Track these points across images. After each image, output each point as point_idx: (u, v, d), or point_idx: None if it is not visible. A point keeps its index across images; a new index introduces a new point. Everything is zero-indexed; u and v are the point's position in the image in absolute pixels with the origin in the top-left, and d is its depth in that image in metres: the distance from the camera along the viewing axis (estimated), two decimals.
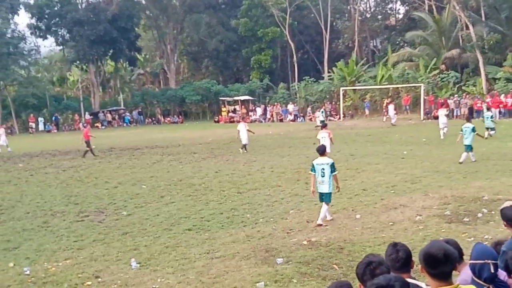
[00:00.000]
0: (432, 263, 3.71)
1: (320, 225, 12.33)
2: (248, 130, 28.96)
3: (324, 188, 12.65)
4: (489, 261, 4.25)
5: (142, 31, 74.66)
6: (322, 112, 47.29)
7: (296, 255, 10.17)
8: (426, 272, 3.78)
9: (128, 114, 64.20)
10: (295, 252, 10.34)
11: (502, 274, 4.46)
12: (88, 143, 29.55)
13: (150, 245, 11.50)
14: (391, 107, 45.16)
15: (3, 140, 34.95)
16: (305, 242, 10.97)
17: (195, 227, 12.91)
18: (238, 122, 36.16)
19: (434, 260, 3.71)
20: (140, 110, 65.58)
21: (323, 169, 12.63)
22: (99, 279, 9.47)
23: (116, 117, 63.31)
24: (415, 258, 4.47)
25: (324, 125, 23.66)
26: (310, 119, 54.73)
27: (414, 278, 4.50)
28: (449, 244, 4.35)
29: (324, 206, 12.59)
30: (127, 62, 73.08)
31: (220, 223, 13.22)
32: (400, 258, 4.39)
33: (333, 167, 12.64)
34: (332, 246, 10.59)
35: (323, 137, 21.60)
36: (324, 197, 12.65)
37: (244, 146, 28.31)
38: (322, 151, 13.10)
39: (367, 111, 53.27)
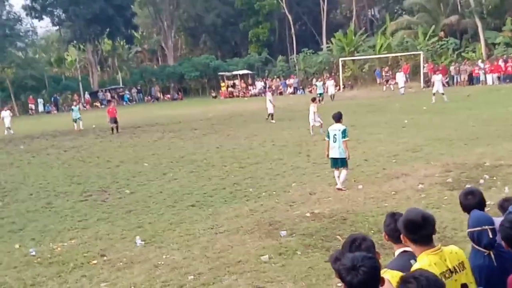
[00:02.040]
0: (412, 228, 3.76)
1: (340, 189, 12.81)
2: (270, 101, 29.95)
3: (335, 153, 13.01)
4: (487, 227, 4.26)
5: (138, 9, 73.97)
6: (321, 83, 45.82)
7: (300, 227, 10.22)
8: (409, 239, 3.81)
9: (127, 92, 63.98)
10: (299, 225, 10.39)
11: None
12: (114, 120, 30.23)
13: (154, 222, 11.55)
14: (400, 76, 43.88)
15: (8, 122, 34.81)
16: (308, 214, 11.01)
17: (199, 203, 12.95)
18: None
19: (414, 225, 3.75)
20: (139, 88, 65.36)
21: (335, 135, 12.99)
22: (105, 258, 9.53)
23: (115, 96, 63.07)
24: None
25: (313, 99, 23.24)
26: (310, 91, 54.55)
27: None
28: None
29: (343, 172, 13.02)
30: (124, 40, 72.64)
31: (223, 198, 13.26)
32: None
33: (344, 133, 12.96)
34: (335, 217, 10.63)
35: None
36: (340, 162, 13.03)
37: (270, 115, 29.37)
38: (337, 118, 13.32)
39: (378, 80, 52.47)
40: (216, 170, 17.05)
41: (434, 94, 31.19)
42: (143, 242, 10.13)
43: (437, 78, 32.06)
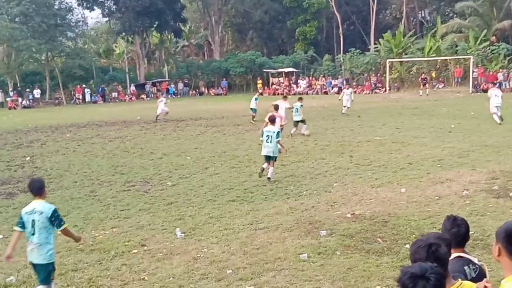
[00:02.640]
0: None
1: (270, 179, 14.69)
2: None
3: (269, 152, 14.92)
4: None
5: (187, 2, 74.52)
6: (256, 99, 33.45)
7: (340, 227, 10.15)
8: (507, 252, 3.58)
9: (172, 85, 64.56)
10: (339, 225, 10.32)
11: None
12: None
13: (194, 215, 11.63)
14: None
15: (161, 109, 34.04)
16: (348, 215, 10.93)
17: (239, 198, 12.99)
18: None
19: None
20: (185, 81, 65.89)
21: (269, 136, 14.87)
22: (145, 248, 9.65)
23: (160, 89, 63.66)
24: None
25: (285, 97, 21.80)
26: (355, 92, 54.15)
27: (468, 253, 4.45)
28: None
29: (272, 167, 15.03)
30: (172, 34, 73.23)
31: (264, 194, 13.26)
32: (462, 233, 4.34)
33: (278, 135, 14.97)
34: (376, 220, 10.52)
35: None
36: (272, 158, 14.97)
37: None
38: (272, 120, 15.30)
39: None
40: (258, 166, 16.96)
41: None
42: (183, 234, 10.21)
43: (494, 93, 25.15)
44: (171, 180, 15.47)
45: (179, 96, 63.20)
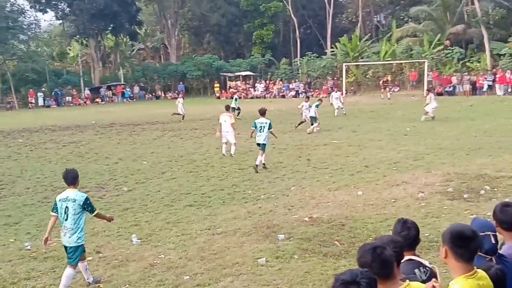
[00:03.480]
0: (461, 241, 3.60)
1: (257, 165, 16.43)
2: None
3: (260, 140, 16.91)
4: (489, 233, 4.21)
5: (143, 5, 73.96)
6: (236, 99, 36.90)
7: (298, 231, 10.13)
8: (454, 254, 3.64)
9: (128, 89, 63.86)
10: (297, 229, 10.31)
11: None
12: None
13: (151, 221, 11.49)
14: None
15: (180, 108, 34.95)
16: (306, 219, 10.93)
17: (196, 203, 12.89)
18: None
19: (464, 238, 3.61)
20: (141, 85, 65.29)
21: (262, 126, 17.02)
22: (100, 254, 9.49)
23: (115, 92, 62.93)
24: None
25: (227, 108, 21.18)
26: (312, 95, 54.60)
27: (418, 256, 4.46)
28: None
29: (263, 154, 16.82)
30: (127, 37, 72.55)
31: (221, 199, 13.19)
32: (412, 236, 4.35)
33: (270, 126, 17.17)
34: (334, 223, 10.55)
35: (225, 121, 19.79)
36: (262, 146, 16.83)
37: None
38: (262, 112, 17.52)
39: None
40: (215, 171, 16.96)
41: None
42: (139, 241, 10.07)
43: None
44: (127, 186, 15.27)
45: (135, 100, 62.63)
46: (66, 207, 7.93)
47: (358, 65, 55.54)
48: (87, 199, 8.06)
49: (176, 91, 63.55)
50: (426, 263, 4.39)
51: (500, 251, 4.37)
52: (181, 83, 65.10)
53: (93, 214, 8.24)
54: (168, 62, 73.55)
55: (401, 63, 52.54)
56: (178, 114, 34.83)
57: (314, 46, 68.53)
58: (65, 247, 8.14)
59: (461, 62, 49.28)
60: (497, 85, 43.02)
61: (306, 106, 27.06)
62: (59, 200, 8.04)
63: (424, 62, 47.69)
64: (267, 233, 10.17)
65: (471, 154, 17.41)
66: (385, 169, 15.81)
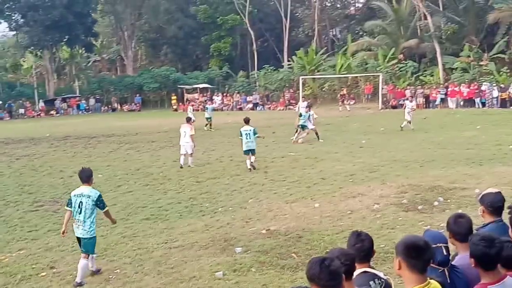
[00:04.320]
0: (414, 252, 3.65)
1: (253, 167, 18.46)
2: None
3: (250, 146, 18.66)
4: (441, 245, 4.26)
5: (99, 17, 73.22)
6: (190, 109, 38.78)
7: (255, 244, 10.13)
8: (408, 265, 3.68)
9: (84, 101, 63.01)
10: (254, 241, 10.31)
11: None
12: None
13: (106, 235, 11.33)
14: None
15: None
16: (263, 231, 10.95)
17: (153, 216, 12.78)
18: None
19: (417, 249, 3.66)
20: (97, 97, 64.52)
21: (248, 133, 18.73)
22: (54, 270, 9.33)
23: (70, 104, 62.01)
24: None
25: (188, 120, 21.55)
26: (269, 108, 54.90)
27: (373, 268, 4.49)
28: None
29: (253, 157, 18.75)
30: (83, 48, 71.71)
31: (179, 212, 13.11)
32: (366, 248, 4.38)
33: (255, 132, 18.97)
34: (291, 235, 10.59)
35: (185, 131, 20.25)
36: (252, 152, 18.74)
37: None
38: (247, 121, 19.41)
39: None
40: (172, 184, 16.86)
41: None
42: (94, 255, 9.88)
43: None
44: None
45: (90, 112, 61.80)
46: (80, 202, 8.89)
47: (315, 78, 56.08)
48: (100, 196, 9.06)
49: (133, 103, 63.26)
50: (381, 274, 4.42)
51: (453, 262, 4.46)
52: (137, 95, 64.61)
53: (104, 211, 9.19)
54: (124, 74, 72.88)
55: (356, 77, 53.29)
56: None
57: (271, 59, 68.95)
58: (78, 239, 9.02)
59: (414, 75, 50.30)
60: (449, 99, 44.11)
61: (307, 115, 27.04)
62: (74, 196, 9.04)
63: (378, 75, 48.49)
64: (225, 246, 10.15)
65: (425, 166, 17.75)
66: (342, 181, 15.98)
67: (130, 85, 65.75)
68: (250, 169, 18.40)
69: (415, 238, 3.80)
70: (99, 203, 8.99)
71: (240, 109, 56.97)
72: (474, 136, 24.60)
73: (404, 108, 28.73)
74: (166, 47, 76.69)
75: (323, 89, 55.76)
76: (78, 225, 8.92)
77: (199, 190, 15.72)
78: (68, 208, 9.08)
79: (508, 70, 43.83)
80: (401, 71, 50.72)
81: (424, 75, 50.08)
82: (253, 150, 18.81)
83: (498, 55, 46.28)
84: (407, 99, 32.38)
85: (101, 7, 71.98)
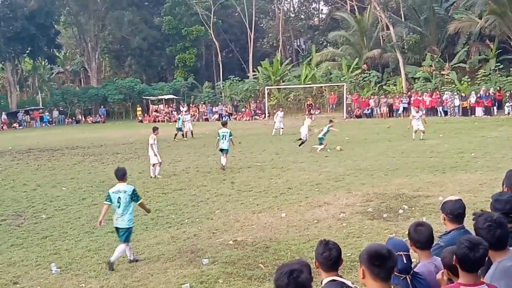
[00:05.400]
0: (377, 260, 3.68)
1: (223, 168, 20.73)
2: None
3: (224, 146, 20.96)
4: (402, 253, 4.34)
5: (62, 28, 72.44)
6: (179, 119, 37.14)
7: (222, 255, 10.11)
8: (371, 273, 3.72)
9: (47, 113, 62.12)
10: (221, 252, 10.28)
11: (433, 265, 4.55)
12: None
13: (71, 249, 11.18)
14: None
15: (188, 127, 35.89)
16: (231, 242, 10.93)
17: None
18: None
19: (380, 257, 3.69)
20: (61, 109, 63.68)
21: (224, 135, 20.96)
22: (18, 285, 9.18)
23: (33, 116, 61.06)
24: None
25: (153, 129, 20.91)
26: (236, 118, 54.95)
27: (341, 276, 4.52)
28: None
29: (226, 157, 21.19)
30: (46, 60, 70.80)
31: (145, 224, 12.99)
32: (334, 257, 4.39)
33: (231, 134, 21.12)
34: (258, 245, 10.59)
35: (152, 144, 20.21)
36: (226, 151, 21.05)
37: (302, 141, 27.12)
38: (224, 124, 22.17)
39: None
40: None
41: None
42: (59, 270, 9.77)
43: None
44: (46, 213, 14.80)
45: (54, 124, 60.98)
46: (119, 197, 10.08)
47: (280, 88, 56.40)
48: (134, 190, 10.35)
49: (98, 115, 62.62)
50: (349, 283, 4.44)
51: (415, 269, 4.53)
52: (102, 106, 64.01)
53: (138, 202, 10.40)
54: (88, 85, 72.17)
55: (321, 87, 53.79)
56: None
57: (236, 70, 69.16)
58: (117, 229, 10.22)
59: (378, 85, 51.04)
60: (412, 107, 44.70)
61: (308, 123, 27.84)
62: (112, 192, 10.22)
63: (343, 85, 49.06)
64: (191, 257, 10.10)
65: (390, 174, 17.96)
66: (308, 190, 16.06)
67: (94, 97, 65.15)
68: (223, 165, 20.71)
69: (378, 246, 3.84)
70: (134, 196, 10.20)
71: (206, 119, 56.93)
72: (437, 144, 25.01)
73: (413, 120, 27.50)
74: (130, 58, 76.26)
75: (288, 99, 56.07)
76: (117, 217, 10.11)
77: (165, 201, 15.62)
78: (107, 203, 10.27)
79: (468, 79, 44.80)
80: (364, 81, 51.41)
81: (388, 84, 50.88)
82: (227, 150, 20.97)
83: (459, 64, 47.32)
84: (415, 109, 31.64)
85: (64, 18, 71.30)
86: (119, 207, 10.08)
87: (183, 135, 35.03)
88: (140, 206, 10.64)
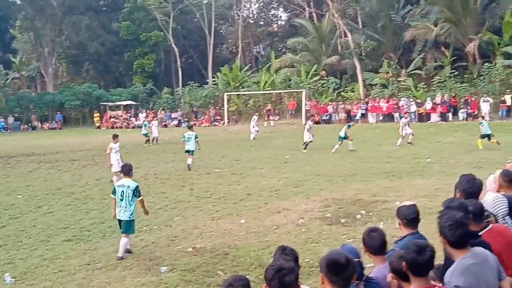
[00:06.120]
0: (334, 269, 3.73)
1: (190, 166, 22.20)
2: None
3: (190, 147, 22.39)
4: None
5: (17, 33, 71.03)
6: (145, 125, 36.82)
7: (181, 262, 10.05)
8: (329, 281, 3.77)
9: (2, 120, 60.77)
10: (180, 260, 10.22)
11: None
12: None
13: (26, 258, 10.95)
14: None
15: (155, 133, 35.92)
16: (190, 249, 10.88)
17: (75, 237, 12.43)
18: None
19: (337, 266, 3.74)
20: (16, 115, 62.38)
21: (189, 138, 22.44)
22: None
23: None
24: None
25: (113, 137, 20.19)
26: (195, 124, 54.68)
27: (300, 282, 4.54)
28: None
29: (192, 157, 22.42)
30: (1, 65, 69.28)
31: (102, 232, 12.82)
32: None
33: (196, 136, 22.57)
34: (217, 252, 10.57)
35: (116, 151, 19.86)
36: (192, 153, 22.39)
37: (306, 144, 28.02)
38: (190, 127, 24.31)
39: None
40: (95, 203, 16.48)
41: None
42: (13, 280, 9.56)
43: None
44: (0, 221, 14.43)
45: (9, 131, 59.61)
46: (122, 191, 10.76)
47: (239, 94, 56.42)
48: (137, 187, 10.92)
49: (54, 121, 61.54)
50: None
51: (370, 275, 4.59)
52: (58, 113, 62.93)
53: (139, 199, 10.93)
54: (45, 91, 70.81)
55: (280, 93, 54.02)
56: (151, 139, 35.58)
57: (196, 76, 68.91)
58: (119, 221, 10.88)
59: (336, 91, 51.52)
60: (369, 113, 45.45)
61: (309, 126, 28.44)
62: (117, 186, 10.95)
63: (302, 91, 49.35)
64: (150, 265, 10.02)
65: (347, 180, 18.16)
66: (267, 196, 16.11)
67: (51, 103, 63.97)
68: (188, 165, 22.13)
69: (336, 255, 3.87)
70: (136, 192, 10.79)
71: (165, 125, 56.45)
72: (394, 150, 25.42)
73: (403, 126, 27.60)
74: (88, 63, 75.28)
75: (248, 105, 56.11)
76: (120, 210, 10.78)
77: None
78: (113, 196, 10.95)
79: (424, 86, 45.60)
80: (323, 87, 51.84)
81: (346, 91, 51.43)
82: (193, 151, 22.32)
83: (415, 71, 48.12)
84: (403, 116, 31.63)
85: (20, 23, 69.92)
86: (122, 200, 10.74)
87: (147, 140, 34.74)
88: (140, 203, 11.08)
